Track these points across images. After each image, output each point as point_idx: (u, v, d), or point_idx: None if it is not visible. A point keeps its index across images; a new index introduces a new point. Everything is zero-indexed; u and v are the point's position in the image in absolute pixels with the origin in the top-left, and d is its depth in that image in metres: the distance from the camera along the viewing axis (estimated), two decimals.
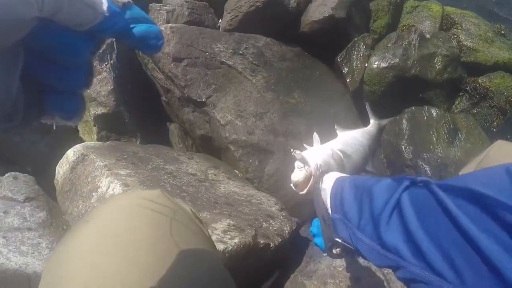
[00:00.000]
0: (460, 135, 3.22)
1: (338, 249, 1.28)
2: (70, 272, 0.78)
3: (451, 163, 3.05)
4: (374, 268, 2.00)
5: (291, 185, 1.80)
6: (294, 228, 2.26)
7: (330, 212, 1.21)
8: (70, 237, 0.91)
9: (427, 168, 3.02)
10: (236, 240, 1.85)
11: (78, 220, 1.03)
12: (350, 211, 1.03)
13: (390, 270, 0.93)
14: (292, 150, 1.89)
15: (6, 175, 2.52)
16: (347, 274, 2.02)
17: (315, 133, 2.43)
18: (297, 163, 1.81)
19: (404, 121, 3.25)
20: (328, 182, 1.33)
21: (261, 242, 1.98)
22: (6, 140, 2.69)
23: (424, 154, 3.09)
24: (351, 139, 2.59)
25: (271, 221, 2.18)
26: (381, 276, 1.99)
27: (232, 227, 1.94)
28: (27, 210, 2.35)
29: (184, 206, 1.07)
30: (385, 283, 1.95)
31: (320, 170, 1.73)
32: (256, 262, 1.99)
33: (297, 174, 1.77)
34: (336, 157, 2.14)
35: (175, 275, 0.79)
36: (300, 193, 1.75)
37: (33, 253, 2.12)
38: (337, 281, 2.02)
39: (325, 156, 2.02)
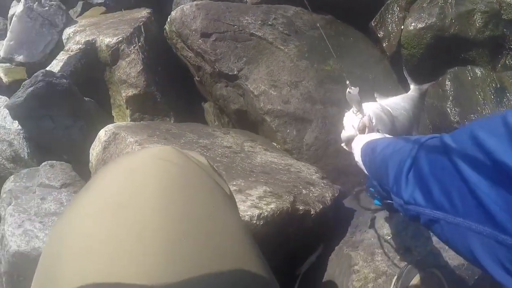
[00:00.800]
0: (508, 94, 2.98)
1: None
2: (65, 247, 0.73)
3: None
4: (426, 236, 1.81)
5: (342, 143, 1.77)
6: (336, 195, 2.09)
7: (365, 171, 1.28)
8: (68, 207, 0.86)
9: None
10: (272, 206, 1.72)
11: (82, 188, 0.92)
12: (378, 171, 1.09)
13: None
14: (348, 83, 1.80)
15: (43, 163, 2.50)
16: (396, 243, 1.85)
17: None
18: (353, 109, 1.74)
19: (448, 82, 3.03)
20: (358, 143, 1.38)
21: (301, 208, 1.83)
22: (39, 127, 2.62)
23: (472, 115, 2.88)
24: (393, 104, 2.35)
25: (311, 188, 2.03)
26: (434, 245, 1.79)
27: (269, 194, 1.80)
28: (63, 196, 2.32)
29: (200, 159, 0.97)
30: (438, 252, 1.76)
31: (373, 122, 1.68)
32: (297, 230, 1.84)
33: (354, 120, 1.69)
34: (387, 113, 2.00)
35: (186, 244, 0.70)
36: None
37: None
38: (385, 250, 1.83)
39: (376, 110, 1.90)
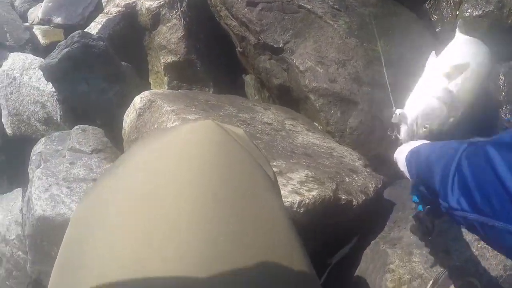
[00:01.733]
0: None
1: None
2: (90, 237, 0.67)
3: None
4: (467, 240, 1.69)
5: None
6: (380, 186, 1.93)
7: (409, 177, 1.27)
8: (97, 187, 0.82)
9: None
10: (314, 193, 1.57)
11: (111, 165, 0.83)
12: (424, 177, 1.09)
13: (483, 244, 1.16)
14: (394, 110, 1.81)
15: (75, 127, 2.38)
16: (436, 244, 1.70)
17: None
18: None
19: (501, 77, 2.82)
20: (401, 154, 1.36)
21: (343, 198, 1.68)
22: (72, 90, 2.49)
23: None
24: (452, 71, 1.95)
25: (355, 176, 1.88)
26: (474, 250, 1.67)
27: (311, 179, 1.66)
28: (93, 162, 2.20)
29: (238, 133, 0.90)
30: (478, 259, 1.64)
31: (418, 122, 1.76)
32: (336, 222, 1.71)
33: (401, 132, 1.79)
34: (444, 95, 1.84)
35: (226, 238, 0.64)
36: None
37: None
38: (424, 251, 1.69)
39: (429, 101, 1.83)
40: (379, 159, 2.27)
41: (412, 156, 1.24)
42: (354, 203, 1.71)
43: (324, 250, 1.85)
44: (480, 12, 2.90)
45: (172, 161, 0.74)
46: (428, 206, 1.27)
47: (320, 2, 2.54)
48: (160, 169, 0.73)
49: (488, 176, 0.74)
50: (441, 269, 1.60)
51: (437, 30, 2.93)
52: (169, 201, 0.66)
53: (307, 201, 1.52)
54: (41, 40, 3.53)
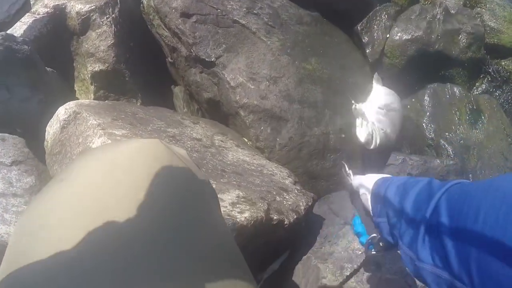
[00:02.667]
0: (482, 117, 2.95)
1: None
2: (33, 252, 0.64)
3: (473, 145, 2.79)
4: (395, 255, 1.66)
5: (362, 142, 2.44)
6: (310, 204, 1.93)
7: (372, 214, 1.19)
8: (39, 201, 0.77)
9: (449, 149, 2.74)
10: (246, 215, 1.53)
11: (54, 177, 0.91)
12: (392, 218, 1.02)
13: None
14: (353, 103, 2.49)
15: None
16: (367, 259, 1.73)
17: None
18: (359, 120, 2.35)
19: (426, 98, 2.95)
20: (367, 184, 1.27)
21: (275, 218, 1.66)
22: None
23: (446, 133, 2.80)
24: (385, 100, 2.72)
25: (285, 194, 1.85)
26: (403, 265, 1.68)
27: (242, 199, 1.62)
28: (13, 175, 2.02)
29: (182, 153, 0.89)
30: (407, 272, 1.68)
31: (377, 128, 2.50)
32: (267, 240, 1.68)
33: (362, 131, 2.44)
34: (383, 116, 2.59)
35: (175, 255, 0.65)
36: (371, 147, 2.44)
37: (17, 222, 1.78)
38: (355, 266, 1.72)
39: (378, 116, 2.58)
40: (307, 175, 2.28)
41: (378, 191, 1.16)
42: (285, 222, 1.69)
43: (254, 265, 1.80)
44: (409, 36, 2.99)
45: (120, 180, 0.72)
46: (372, 236, 1.24)
47: (255, 18, 2.51)
48: (107, 187, 0.71)
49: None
50: (373, 282, 1.64)
51: (367, 51, 2.98)
52: (116, 218, 0.64)
53: (239, 223, 1.48)
54: None
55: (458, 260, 0.70)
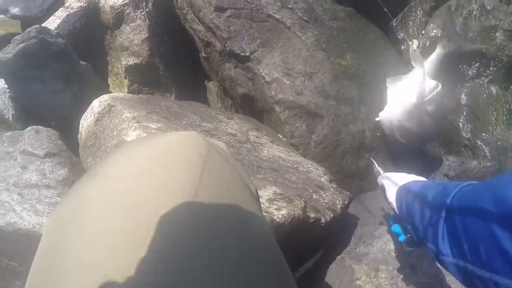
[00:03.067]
0: None
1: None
2: (68, 255, 0.61)
3: (511, 147, 2.67)
4: (431, 258, 1.67)
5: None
6: (346, 202, 1.87)
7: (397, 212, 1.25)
8: (73, 195, 0.75)
9: (486, 150, 2.64)
10: (283, 212, 1.48)
11: (87, 172, 0.82)
12: (414, 220, 1.06)
13: None
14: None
15: (28, 128, 2.18)
16: (402, 261, 1.69)
17: None
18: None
19: (463, 96, 2.84)
20: (391, 191, 1.32)
21: (311, 216, 1.61)
22: (26, 88, 2.31)
23: (483, 134, 2.70)
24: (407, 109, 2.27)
25: (322, 192, 1.80)
26: (439, 266, 1.62)
27: (279, 196, 1.57)
28: (47, 166, 2.01)
29: (221, 147, 0.86)
30: (443, 275, 1.63)
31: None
32: (302, 238, 1.63)
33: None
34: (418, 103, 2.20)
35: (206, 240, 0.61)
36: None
37: (50, 213, 1.79)
38: (390, 268, 1.67)
39: (407, 106, 2.21)
40: (342, 173, 2.23)
41: (402, 194, 1.21)
42: (322, 220, 1.64)
43: (287, 263, 1.76)
44: (445, 32, 2.90)
45: (159, 172, 0.69)
46: (408, 236, 1.27)
47: (289, 13, 2.47)
48: (146, 179, 0.68)
49: (478, 228, 0.72)
50: (407, 285, 1.59)
51: (402, 47, 2.91)
52: (155, 213, 0.61)
53: (277, 220, 1.44)
54: None
55: (467, 240, 0.75)
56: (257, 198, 0.83)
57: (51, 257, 0.64)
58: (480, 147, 2.65)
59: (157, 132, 1.69)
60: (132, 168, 0.71)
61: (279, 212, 1.46)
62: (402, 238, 1.33)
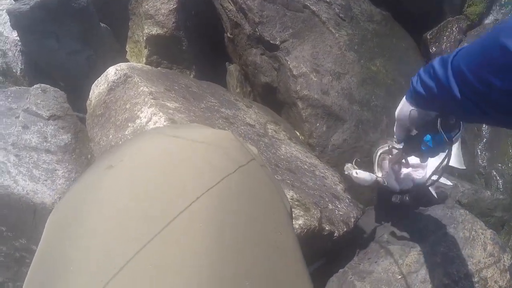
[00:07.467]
0: None
1: None
2: (75, 258, 0.56)
3: None
4: (436, 283, 1.59)
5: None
6: (359, 217, 1.75)
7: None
8: (87, 187, 0.67)
9: (500, 182, 2.51)
10: (300, 222, 1.38)
11: (99, 158, 0.81)
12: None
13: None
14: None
15: (35, 86, 2.02)
16: (406, 284, 1.58)
17: None
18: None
19: (484, 126, 2.70)
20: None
21: (326, 228, 1.50)
22: (40, 44, 2.13)
23: (499, 165, 2.58)
24: None
25: (337, 203, 1.68)
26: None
27: (296, 203, 1.45)
28: (49, 129, 1.86)
29: (255, 152, 0.78)
30: None
31: None
32: (312, 248, 1.52)
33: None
34: None
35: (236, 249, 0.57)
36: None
37: (46, 180, 1.67)
38: None
39: None
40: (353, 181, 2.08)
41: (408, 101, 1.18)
42: (335, 234, 1.55)
43: None
44: None
45: (186, 176, 0.63)
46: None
47: (326, 7, 2.30)
48: (172, 180, 0.62)
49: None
50: None
51: None
52: (179, 233, 0.57)
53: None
54: None
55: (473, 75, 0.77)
56: (290, 213, 0.77)
57: (57, 253, 0.60)
58: (494, 177, 2.53)
59: (174, 112, 1.53)
60: (157, 164, 0.64)
61: (296, 222, 1.36)
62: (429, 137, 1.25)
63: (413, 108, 1.17)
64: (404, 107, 1.20)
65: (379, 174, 1.78)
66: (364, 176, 1.75)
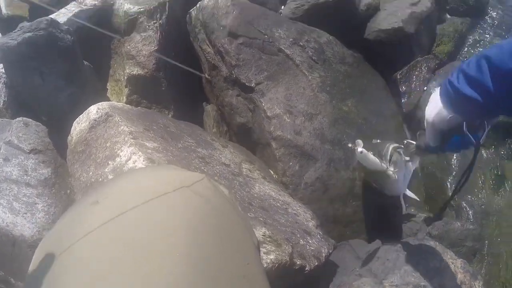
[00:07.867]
0: (506, 184, 2.78)
1: None
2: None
3: (494, 212, 2.61)
4: None
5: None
6: (331, 251, 1.80)
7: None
8: (71, 224, 0.73)
9: (470, 213, 2.58)
10: (272, 257, 1.44)
11: (85, 195, 0.91)
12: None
13: None
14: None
15: (17, 119, 2.08)
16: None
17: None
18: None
19: (454, 156, 2.80)
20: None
21: (298, 263, 1.55)
22: (25, 79, 2.19)
23: (469, 196, 2.65)
24: None
25: (309, 238, 1.74)
26: None
27: (268, 239, 1.51)
28: (30, 163, 1.91)
29: (226, 192, 0.85)
30: None
31: None
32: (283, 283, 1.56)
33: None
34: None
35: None
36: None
37: (26, 213, 1.72)
38: None
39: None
40: (326, 217, 2.15)
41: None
42: (306, 268, 1.59)
43: None
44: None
45: (164, 214, 0.68)
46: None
47: (300, 50, 2.41)
48: (153, 221, 0.67)
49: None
50: None
51: (403, 101, 2.87)
52: (160, 260, 0.61)
53: (264, 265, 1.38)
54: (3, 9, 3.20)
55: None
56: (257, 247, 0.84)
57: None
58: (464, 209, 2.60)
59: (152, 152, 1.60)
60: (137, 203, 0.69)
61: (267, 257, 1.41)
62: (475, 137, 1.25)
63: (452, 115, 1.16)
64: (442, 113, 1.19)
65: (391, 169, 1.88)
66: (374, 160, 1.87)
